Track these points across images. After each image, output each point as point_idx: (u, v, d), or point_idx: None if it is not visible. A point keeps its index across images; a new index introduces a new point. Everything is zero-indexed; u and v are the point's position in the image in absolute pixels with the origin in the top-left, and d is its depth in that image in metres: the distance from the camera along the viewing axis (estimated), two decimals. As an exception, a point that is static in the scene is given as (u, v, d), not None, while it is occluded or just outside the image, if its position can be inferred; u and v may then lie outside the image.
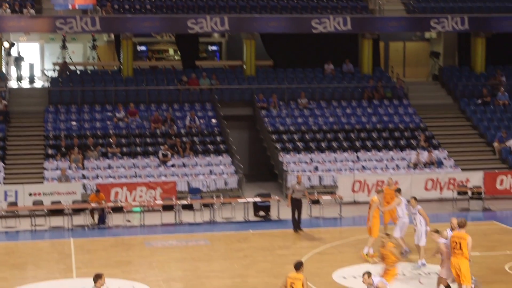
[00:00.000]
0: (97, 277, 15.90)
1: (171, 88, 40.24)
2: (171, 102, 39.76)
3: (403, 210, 23.85)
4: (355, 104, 40.64)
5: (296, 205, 28.16)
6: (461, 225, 18.94)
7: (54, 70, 45.90)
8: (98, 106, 38.95)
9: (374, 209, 24.01)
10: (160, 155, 35.39)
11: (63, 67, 43.09)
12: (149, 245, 26.45)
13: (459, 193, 33.56)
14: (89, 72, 44.66)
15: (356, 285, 19.16)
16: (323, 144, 37.49)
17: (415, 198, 23.28)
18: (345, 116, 39.56)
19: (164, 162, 35.12)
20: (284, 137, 37.83)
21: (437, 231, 19.77)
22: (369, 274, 17.61)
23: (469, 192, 33.23)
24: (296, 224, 28.27)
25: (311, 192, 32.70)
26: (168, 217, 30.33)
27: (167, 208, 30.91)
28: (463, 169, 36.13)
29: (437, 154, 37.00)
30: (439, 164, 36.25)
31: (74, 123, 37.54)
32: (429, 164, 36.03)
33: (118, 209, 30.43)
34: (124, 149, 36.13)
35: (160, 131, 37.46)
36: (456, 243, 18.71)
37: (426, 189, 34.25)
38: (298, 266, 16.76)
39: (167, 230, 29.19)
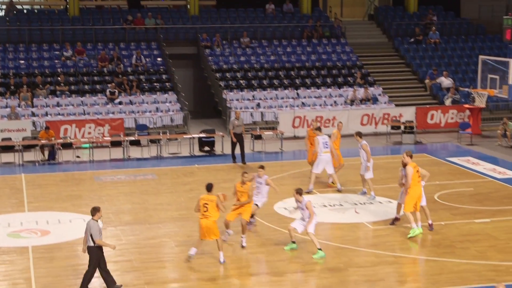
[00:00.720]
0: (95, 210, 15.61)
1: (117, 27, 40.63)
2: (117, 41, 40.19)
3: (320, 148, 24.34)
4: (295, 43, 41.49)
5: (237, 140, 29.00)
6: (410, 155, 20.16)
7: (0, 10, 45.57)
8: (46, 45, 39.27)
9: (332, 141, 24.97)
10: (107, 93, 35.92)
11: (10, 6, 42.86)
12: (98, 179, 26.79)
13: (392, 127, 34.71)
14: (36, 11, 44.52)
15: (296, 215, 19.70)
16: (264, 82, 38.39)
17: (358, 134, 23.78)
18: (286, 55, 40.44)
19: (111, 100, 35.71)
20: (228, 75, 38.58)
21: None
22: (300, 191, 18.11)
23: (402, 127, 34.40)
24: (240, 157, 29.11)
25: (253, 128, 33.85)
26: (117, 153, 30.92)
27: (115, 144, 31.48)
28: (396, 105, 37.31)
29: (373, 90, 38.11)
30: (374, 100, 37.41)
31: (22, 61, 37.87)
32: (365, 100, 37.16)
33: (67, 145, 30.82)
34: (72, 87, 36.60)
35: (107, 69, 37.96)
36: (418, 171, 19.99)
37: (362, 124, 35.35)
38: (210, 187, 17.38)
39: (115, 165, 29.57)
